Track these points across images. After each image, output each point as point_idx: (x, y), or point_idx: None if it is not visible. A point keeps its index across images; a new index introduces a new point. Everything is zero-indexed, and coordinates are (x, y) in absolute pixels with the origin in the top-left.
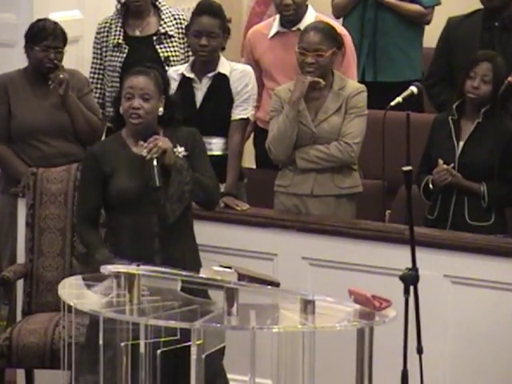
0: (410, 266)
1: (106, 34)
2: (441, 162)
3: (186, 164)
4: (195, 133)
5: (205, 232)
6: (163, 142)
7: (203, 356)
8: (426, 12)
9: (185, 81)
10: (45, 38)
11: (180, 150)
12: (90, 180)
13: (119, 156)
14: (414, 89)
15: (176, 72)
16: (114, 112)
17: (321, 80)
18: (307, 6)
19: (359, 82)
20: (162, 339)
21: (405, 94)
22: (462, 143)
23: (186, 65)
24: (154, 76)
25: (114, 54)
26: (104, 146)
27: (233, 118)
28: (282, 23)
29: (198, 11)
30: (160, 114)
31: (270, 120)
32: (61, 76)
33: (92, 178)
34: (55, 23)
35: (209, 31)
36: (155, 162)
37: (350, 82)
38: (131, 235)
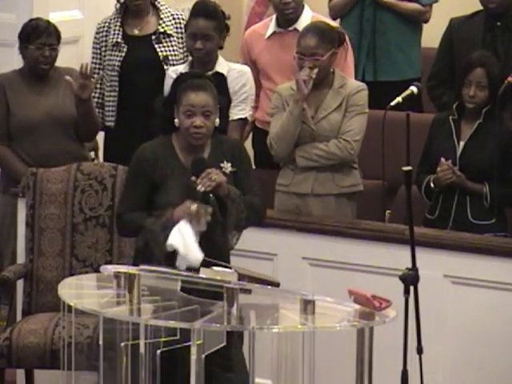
0: (409, 266)
1: (105, 33)
2: (443, 160)
3: (238, 192)
4: (240, 145)
5: None
6: (217, 175)
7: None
8: (424, 10)
9: None
10: (38, 36)
11: (227, 166)
12: (140, 183)
13: (169, 166)
14: (413, 89)
15: (175, 72)
16: (163, 115)
17: (310, 83)
18: (303, 5)
19: (359, 81)
20: (162, 339)
21: (405, 94)
22: (462, 143)
23: (185, 64)
24: (210, 89)
25: (113, 52)
26: (155, 152)
27: (231, 118)
28: (279, 23)
29: (194, 13)
30: (217, 125)
31: (271, 117)
32: (87, 82)
33: (142, 181)
34: (47, 21)
35: (204, 34)
36: (211, 196)
37: (351, 81)
38: None
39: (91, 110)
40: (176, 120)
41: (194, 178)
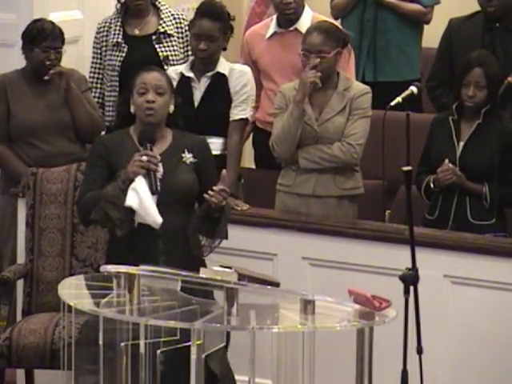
0: (409, 266)
1: (105, 33)
2: (446, 161)
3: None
4: (204, 142)
5: None
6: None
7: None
8: (425, 11)
9: (184, 80)
10: (44, 39)
11: (188, 156)
12: (97, 166)
13: (126, 153)
14: (413, 89)
15: (175, 71)
16: (122, 113)
17: (318, 81)
18: (304, 5)
19: (359, 81)
20: (162, 339)
21: (405, 94)
22: (462, 143)
23: (186, 64)
24: (164, 73)
25: (114, 53)
26: (113, 140)
27: (232, 119)
28: (279, 23)
29: (200, 13)
30: (171, 111)
31: (274, 117)
32: (59, 69)
33: (99, 164)
34: (52, 23)
35: (208, 35)
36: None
37: (356, 83)
38: (135, 235)
39: (78, 102)
40: (132, 107)
41: (141, 151)
